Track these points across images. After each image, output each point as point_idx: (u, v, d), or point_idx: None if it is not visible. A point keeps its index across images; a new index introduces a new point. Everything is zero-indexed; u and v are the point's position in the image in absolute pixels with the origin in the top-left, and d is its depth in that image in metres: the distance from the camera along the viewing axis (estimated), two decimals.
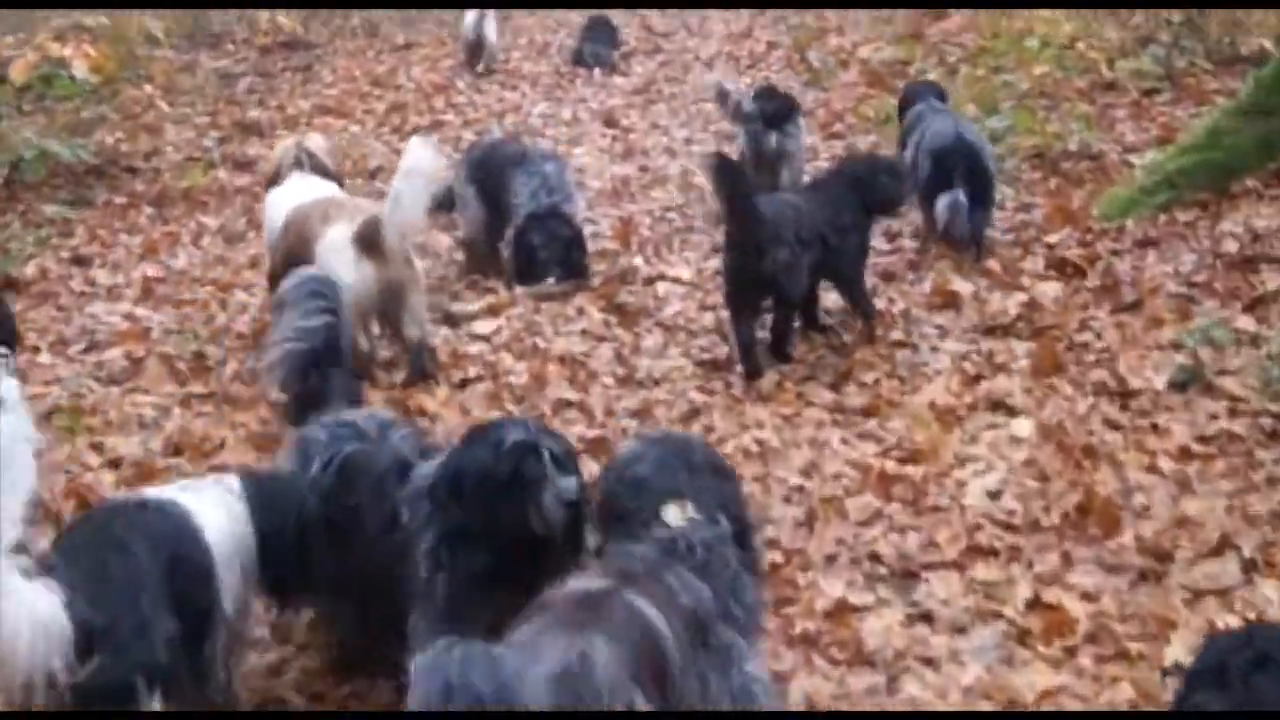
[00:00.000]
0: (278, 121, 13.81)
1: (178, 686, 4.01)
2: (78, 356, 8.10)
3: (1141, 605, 4.95)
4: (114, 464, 6.57)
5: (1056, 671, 4.66)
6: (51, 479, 6.15)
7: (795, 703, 4.60)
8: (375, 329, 7.60)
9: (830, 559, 5.43)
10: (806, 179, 9.59)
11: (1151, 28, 12.84)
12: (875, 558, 5.43)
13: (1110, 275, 7.94)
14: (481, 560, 4.23)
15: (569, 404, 7.06)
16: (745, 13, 18.05)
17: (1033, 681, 4.61)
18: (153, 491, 4.55)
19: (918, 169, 8.85)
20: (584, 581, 3.80)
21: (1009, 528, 5.53)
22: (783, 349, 7.44)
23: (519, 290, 8.61)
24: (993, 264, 8.33)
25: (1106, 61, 12.02)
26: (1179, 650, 4.60)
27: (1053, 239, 8.63)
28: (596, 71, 15.58)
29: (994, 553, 5.36)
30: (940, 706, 4.57)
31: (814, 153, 11.01)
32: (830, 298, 7.90)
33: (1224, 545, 5.21)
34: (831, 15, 17.13)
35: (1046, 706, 4.52)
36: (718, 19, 18.18)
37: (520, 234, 8.80)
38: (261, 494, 4.51)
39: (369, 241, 7.09)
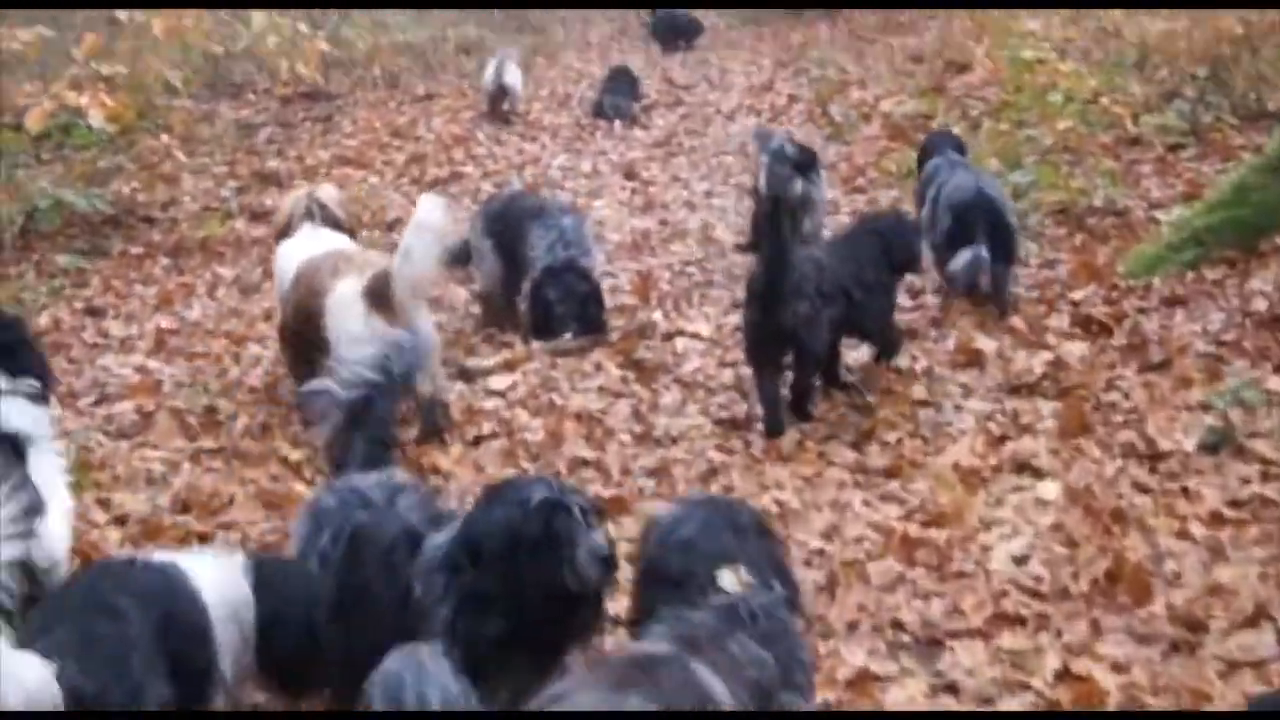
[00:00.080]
0: (296, 172, 13.74)
1: None
2: (87, 409, 7.99)
3: (1174, 677, 4.77)
4: (120, 520, 6.43)
5: None
6: None
7: None
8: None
9: (852, 626, 5.27)
10: (827, 233, 9.49)
11: (1176, 82, 12.73)
12: (898, 625, 5.26)
13: (1137, 334, 7.81)
14: (504, 625, 4.07)
15: (585, 462, 6.92)
16: (767, 65, 18.05)
17: None
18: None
19: (936, 223, 8.77)
20: (646, 645, 3.70)
21: (1036, 595, 5.36)
22: (803, 407, 7.30)
23: (535, 345, 8.50)
24: (1017, 321, 8.19)
25: (1131, 117, 11.88)
26: None
27: (1078, 296, 8.50)
28: (617, 124, 15.56)
29: (1021, 621, 5.19)
30: None
31: (835, 206, 10.91)
32: (851, 355, 7.78)
33: (1259, 615, 5.04)
34: (853, 69, 17.14)
35: None
36: (739, 72, 18.16)
37: (537, 288, 8.70)
38: (269, 577, 4.37)
39: (379, 295, 6.98)
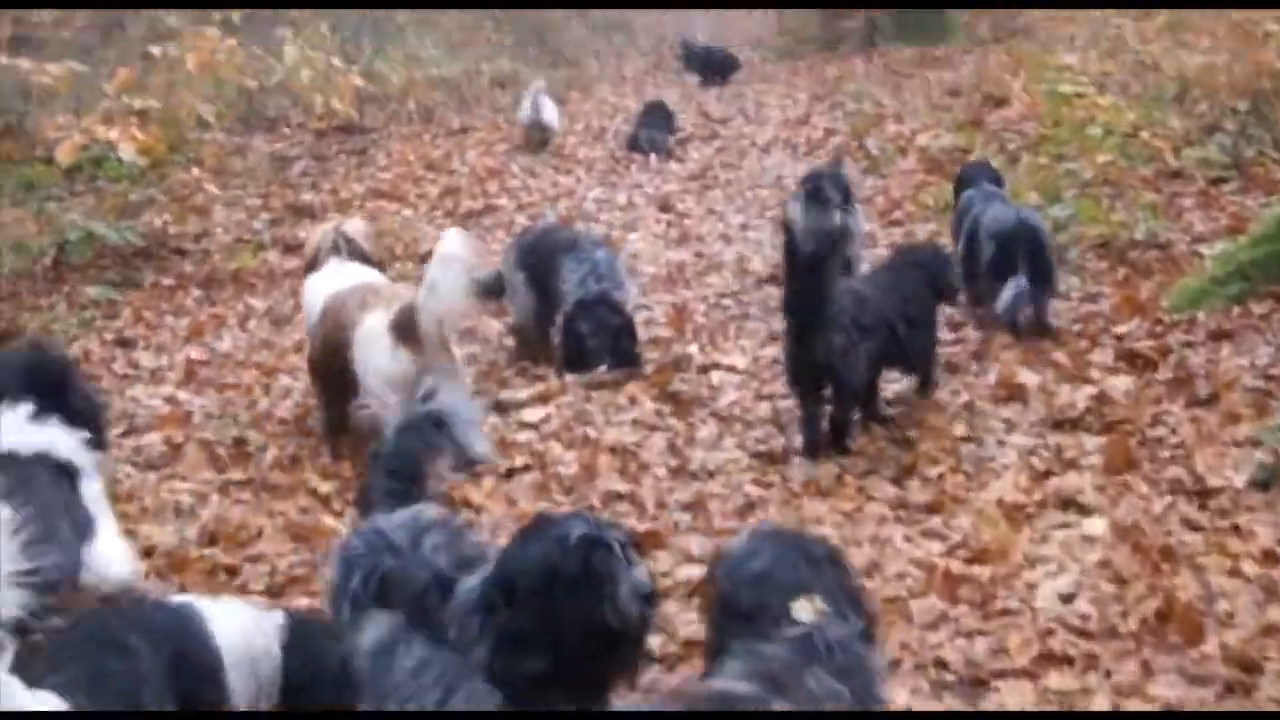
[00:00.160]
0: (330, 204, 13.71)
1: None
2: (116, 440, 7.84)
3: None
4: (147, 553, 6.31)
5: None
6: None
7: None
8: None
9: (894, 665, 5.11)
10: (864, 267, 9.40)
11: (1217, 116, 12.59)
12: (941, 664, 5.10)
13: (1183, 368, 7.65)
14: (542, 665, 3.93)
15: (619, 496, 6.79)
16: (802, 99, 17.98)
17: None
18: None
19: (976, 254, 8.75)
20: (723, 682, 3.58)
21: (1084, 634, 5.19)
22: (842, 441, 7.16)
23: (569, 378, 8.40)
24: (1059, 355, 8.04)
25: (1172, 150, 11.74)
26: None
27: (1121, 330, 8.35)
28: (652, 157, 15.51)
29: (1068, 660, 5.02)
30: None
31: (873, 240, 10.79)
32: (891, 389, 7.65)
33: None
34: (889, 102, 17.06)
35: None
36: (775, 105, 18.09)
37: (569, 321, 8.61)
38: (302, 638, 4.25)
39: (405, 329, 6.91)
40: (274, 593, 5.94)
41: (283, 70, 15.56)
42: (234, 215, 13.24)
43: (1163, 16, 16.29)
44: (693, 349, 8.89)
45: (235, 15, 14.59)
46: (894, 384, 7.68)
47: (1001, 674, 4.99)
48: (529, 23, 24.62)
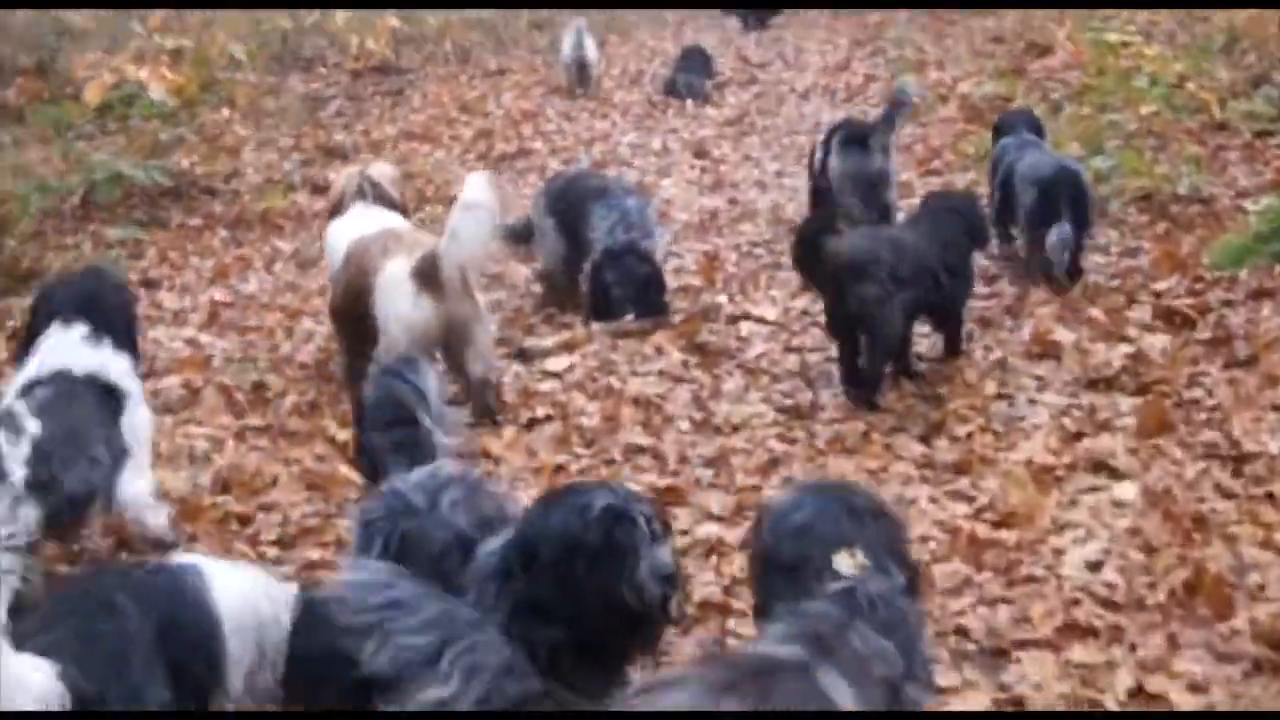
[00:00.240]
0: (362, 146, 13.63)
1: None
2: None
3: (1256, 699, 4.45)
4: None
5: None
6: None
7: None
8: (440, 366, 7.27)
9: None
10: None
11: (1265, 67, 12.37)
12: (962, 632, 4.95)
13: (1222, 328, 7.46)
14: (559, 634, 3.80)
15: (641, 449, 6.66)
16: (843, 44, 17.76)
17: None
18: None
19: (1014, 201, 8.65)
20: (769, 647, 3.45)
21: (1110, 604, 5.04)
22: (871, 396, 7.01)
23: (595, 327, 8.27)
24: (1096, 312, 7.84)
25: (1218, 102, 11.50)
26: None
27: (1160, 287, 8.16)
28: (689, 102, 15.33)
29: (1093, 632, 4.87)
30: None
31: (910, 189, 10.59)
32: (922, 344, 7.50)
33: None
34: (931, 49, 16.81)
35: None
36: (815, 51, 17.87)
37: (596, 270, 8.48)
38: (315, 614, 4.09)
39: (428, 276, 6.79)
40: (285, 544, 5.86)
41: (319, 10, 15.46)
42: (265, 156, 13.15)
43: None
44: (722, 299, 8.75)
45: None
46: (926, 338, 7.51)
47: (1023, 644, 4.84)
48: None
